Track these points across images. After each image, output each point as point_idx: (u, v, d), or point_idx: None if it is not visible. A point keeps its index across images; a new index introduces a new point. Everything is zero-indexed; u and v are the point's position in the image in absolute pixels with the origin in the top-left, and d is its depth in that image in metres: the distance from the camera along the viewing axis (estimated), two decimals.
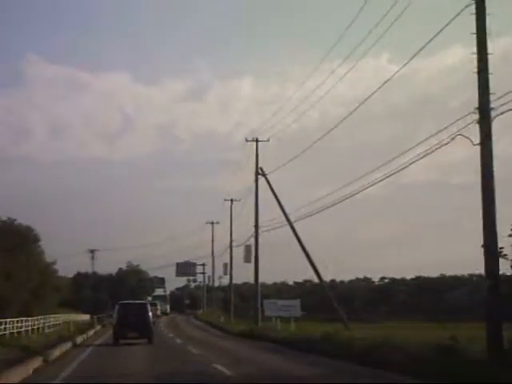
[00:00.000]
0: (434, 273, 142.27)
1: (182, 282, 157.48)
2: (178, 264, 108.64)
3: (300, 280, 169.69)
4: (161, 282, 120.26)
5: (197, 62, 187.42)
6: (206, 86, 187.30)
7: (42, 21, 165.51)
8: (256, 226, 47.51)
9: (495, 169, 17.25)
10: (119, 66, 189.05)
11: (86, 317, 72.29)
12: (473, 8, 17.35)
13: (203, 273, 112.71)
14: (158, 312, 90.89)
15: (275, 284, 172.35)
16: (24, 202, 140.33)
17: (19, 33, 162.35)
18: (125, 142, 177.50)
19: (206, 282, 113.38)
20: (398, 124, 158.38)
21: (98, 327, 54.81)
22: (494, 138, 17.19)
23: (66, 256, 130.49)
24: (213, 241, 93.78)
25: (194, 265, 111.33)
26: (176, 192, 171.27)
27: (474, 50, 17.30)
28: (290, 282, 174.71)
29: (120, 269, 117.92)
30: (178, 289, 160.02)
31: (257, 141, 46.69)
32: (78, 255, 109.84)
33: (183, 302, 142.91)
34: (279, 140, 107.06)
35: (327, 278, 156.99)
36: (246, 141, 47.52)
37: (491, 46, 17.25)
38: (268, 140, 46.66)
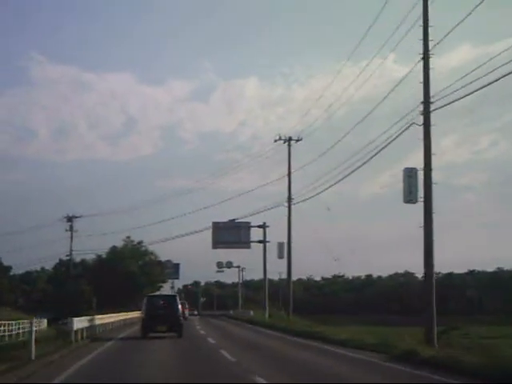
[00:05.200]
0: (487, 267, 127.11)
1: (189, 278, 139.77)
2: (215, 226, 62.12)
3: (329, 276, 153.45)
4: (175, 269, 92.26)
5: (202, 63, 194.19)
6: (210, 87, 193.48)
7: (47, 20, 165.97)
8: None
9: None
10: (124, 66, 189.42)
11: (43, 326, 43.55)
12: None
13: (264, 241, 62.08)
14: (186, 314, 73.27)
15: (300, 280, 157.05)
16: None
17: (23, 32, 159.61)
18: (128, 142, 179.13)
19: (275, 254, 61.12)
20: None
21: None
22: None
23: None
24: (289, 166, 51.85)
25: (247, 226, 62.45)
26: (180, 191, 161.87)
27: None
28: (317, 278, 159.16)
29: (113, 247, 77.28)
30: (185, 285, 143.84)
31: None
32: (54, 229, 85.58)
33: (198, 300, 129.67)
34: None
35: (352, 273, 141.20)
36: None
37: None
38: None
